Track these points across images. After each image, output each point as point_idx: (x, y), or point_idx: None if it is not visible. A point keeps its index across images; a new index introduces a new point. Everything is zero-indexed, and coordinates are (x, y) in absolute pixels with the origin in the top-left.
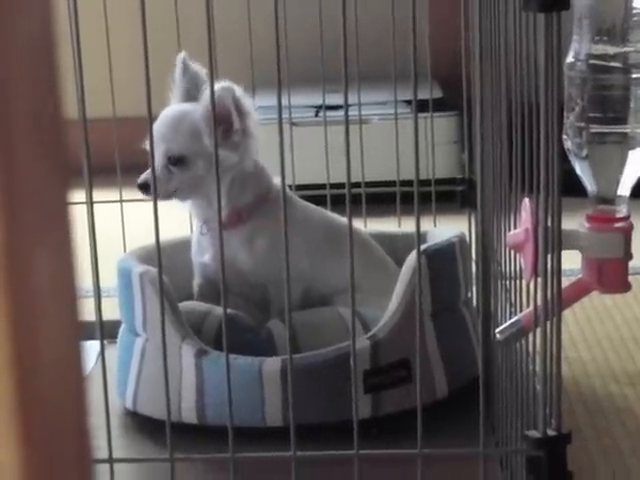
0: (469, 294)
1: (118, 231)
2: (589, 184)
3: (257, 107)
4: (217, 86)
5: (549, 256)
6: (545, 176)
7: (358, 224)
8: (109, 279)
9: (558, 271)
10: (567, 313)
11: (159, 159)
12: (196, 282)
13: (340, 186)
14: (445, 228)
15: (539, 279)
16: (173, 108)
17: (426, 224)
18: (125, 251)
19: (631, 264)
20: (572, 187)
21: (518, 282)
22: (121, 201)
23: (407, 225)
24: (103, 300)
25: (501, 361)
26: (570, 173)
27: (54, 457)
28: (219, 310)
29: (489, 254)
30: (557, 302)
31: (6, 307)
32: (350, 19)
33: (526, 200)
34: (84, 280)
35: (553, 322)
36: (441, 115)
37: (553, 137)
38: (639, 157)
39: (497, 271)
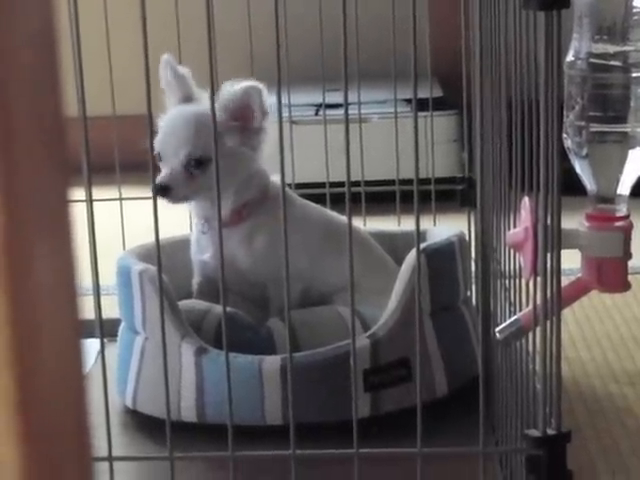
0: (468, 293)
1: (117, 229)
2: (589, 183)
3: None
4: (244, 84)
5: (549, 255)
6: (545, 175)
7: (358, 223)
8: (109, 277)
9: (558, 270)
10: (566, 313)
11: (179, 162)
12: (195, 280)
13: (340, 185)
14: (445, 227)
15: (539, 278)
16: (189, 109)
17: (426, 223)
18: (124, 249)
19: (631, 263)
20: (572, 186)
21: (517, 281)
22: (120, 199)
23: (407, 224)
24: (103, 298)
25: (501, 360)
26: (570, 172)
27: (54, 455)
28: (218, 308)
29: (489, 253)
30: (557, 301)
31: (6, 305)
32: (350, 18)
33: (526, 199)
34: (84, 278)
35: (553, 321)
36: (441, 114)
37: (553, 136)
38: (639, 156)
39: (497, 270)
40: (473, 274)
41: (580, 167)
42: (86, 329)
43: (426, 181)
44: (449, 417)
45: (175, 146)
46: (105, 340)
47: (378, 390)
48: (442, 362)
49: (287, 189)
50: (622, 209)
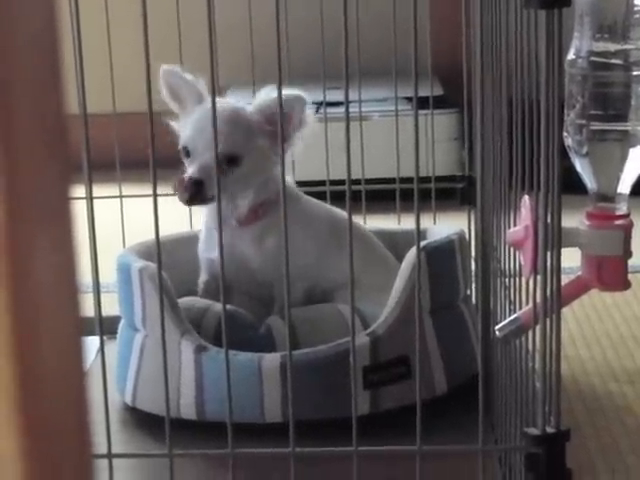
0: (468, 291)
1: (117, 227)
2: (589, 181)
3: None
4: (290, 92)
5: (549, 253)
6: (545, 173)
7: (358, 221)
8: (108, 275)
9: (558, 268)
10: (566, 311)
11: (212, 157)
12: (202, 279)
13: (340, 183)
14: (445, 225)
15: (538, 276)
16: (222, 105)
17: (426, 221)
18: (124, 247)
19: (631, 262)
20: (572, 185)
21: (517, 279)
22: (121, 197)
23: (407, 222)
24: (103, 296)
25: (500, 358)
26: (570, 170)
27: (55, 450)
28: (218, 306)
29: (489, 251)
30: (556, 299)
31: (7, 301)
32: (351, 16)
33: (526, 197)
34: (84, 276)
35: (552, 319)
36: (441, 112)
37: (554, 134)
38: (639, 155)
39: (496, 268)
40: (473, 272)
41: (580, 165)
42: (86, 326)
43: (426, 179)
44: (448, 415)
45: (208, 141)
46: (105, 337)
47: (377, 388)
48: (441, 360)
49: (292, 186)
50: (622, 207)
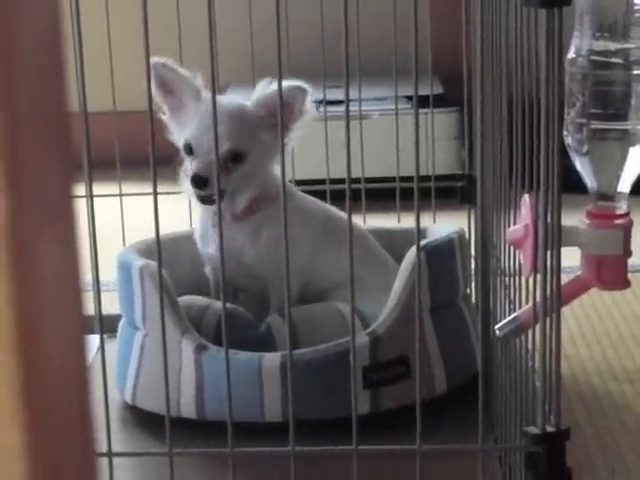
0: (468, 290)
1: (117, 225)
2: (589, 180)
3: None
4: (291, 83)
5: (548, 252)
6: (545, 172)
7: (357, 220)
8: (108, 273)
9: (557, 267)
10: (566, 311)
11: (220, 155)
12: (207, 269)
13: (340, 181)
14: (445, 224)
15: (538, 275)
16: (227, 102)
17: (426, 220)
18: (124, 245)
19: (630, 261)
20: (572, 184)
21: (517, 278)
22: (121, 195)
23: (406, 221)
24: (103, 294)
25: (500, 357)
26: (570, 170)
27: (58, 444)
28: (218, 305)
29: (488, 250)
30: (556, 298)
31: (11, 296)
32: (351, 15)
33: (526, 196)
34: (84, 274)
35: (552, 318)
36: (441, 111)
37: (554, 133)
38: (639, 154)
39: (496, 267)
40: (473, 271)
41: (580, 164)
42: (86, 325)
43: (426, 178)
44: (448, 415)
45: (219, 140)
46: (105, 336)
47: (377, 387)
48: (441, 359)
49: (287, 182)
50: (622, 207)
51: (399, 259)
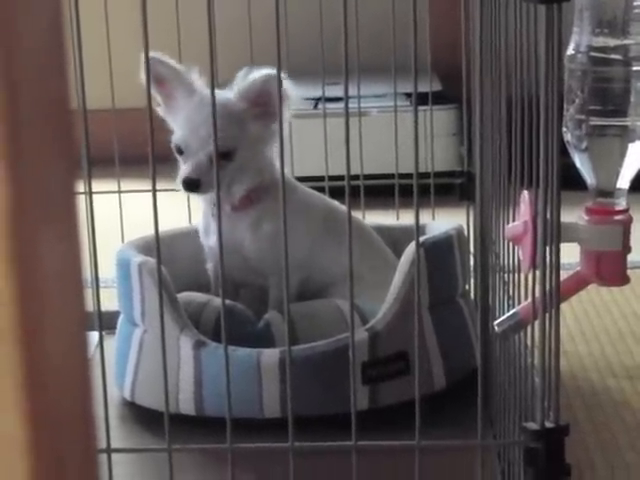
0: (467, 287)
1: (116, 222)
2: (588, 177)
3: None
4: (263, 71)
5: (548, 248)
6: (545, 168)
7: (357, 216)
8: (107, 270)
9: (557, 263)
10: (565, 307)
11: (206, 154)
12: (208, 265)
13: (339, 178)
14: (443, 221)
15: (537, 271)
16: (208, 100)
17: (425, 217)
18: (123, 242)
19: (630, 258)
20: (571, 180)
21: (516, 275)
22: (119, 192)
23: (405, 218)
24: (101, 291)
25: (499, 354)
26: (569, 166)
27: (60, 438)
28: (217, 301)
29: (487, 247)
30: (555, 295)
31: (14, 292)
32: (350, 12)
33: (525, 192)
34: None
35: (552, 314)
36: (440, 108)
37: (553, 129)
38: (639, 150)
39: (495, 264)
40: (472, 268)
41: (580, 161)
42: (87, 321)
43: (425, 175)
44: (447, 410)
45: (202, 139)
46: (104, 333)
47: (376, 383)
48: (440, 356)
49: (288, 176)
50: (621, 203)
51: (398, 256)
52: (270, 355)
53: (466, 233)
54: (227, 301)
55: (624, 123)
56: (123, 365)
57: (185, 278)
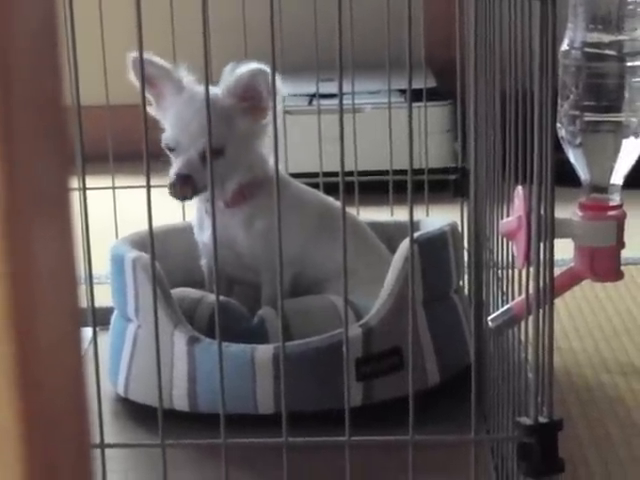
0: (461, 282)
1: (110, 218)
2: (582, 172)
3: None
4: (249, 66)
5: (542, 244)
6: (539, 164)
7: (351, 212)
8: (101, 266)
9: (550, 259)
10: (559, 303)
11: (197, 151)
12: (203, 262)
13: (333, 175)
14: (437, 217)
15: (531, 267)
16: (198, 98)
17: (419, 213)
18: (117, 238)
19: (623, 254)
20: (565, 177)
21: (510, 271)
22: (113, 188)
23: (399, 214)
24: (95, 287)
25: (493, 349)
26: (564, 163)
27: (54, 435)
28: (211, 297)
29: (481, 243)
30: (549, 290)
31: (6, 289)
32: (345, 8)
33: (519, 188)
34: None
35: (545, 310)
36: (434, 104)
37: (547, 125)
38: (633, 146)
39: (489, 260)
40: (466, 264)
41: (574, 156)
42: (81, 317)
43: (419, 171)
44: (441, 406)
45: (192, 136)
46: (97, 328)
47: (370, 379)
48: (434, 351)
49: (281, 171)
50: (615, 198)
51: (392, 252)
52: (264, 351)
53: (460, 229)
54: (221, 297)
55: (618, 119)
56: (117, 361)
57: (179, 274)
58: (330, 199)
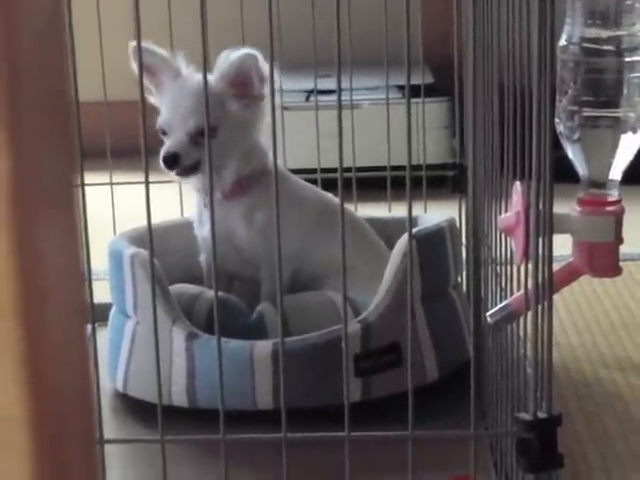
0: (459, 278)
1: (108, 214)
2: (581, 168)
3: None
4: (241, 51)
5: (540, 239)
6: (537, 159)
7: (349, 208)
8: (99, 262)
9: (549, 255)
10: (557, 299)
11: (186, 132)
12: (202, 257)
13: (331, 171)
14: (436, 213)
15: (530, 262)
16: (190, 81)
17: (417, 209)
18: (115, 234)
19: (621, 251)
20: (564, 173)
21: (509, 267)
22: (111, 184)
23: (398, 210)
24: (93, 283)
25: (491, 345)
26: (562, 159)
27: (60, 415)
28: (210, 293)
29: (480, 239)
30: (548, 286)
31: (14, 288)
32: (343, 4)
33: (517, 183)
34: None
35: (544, 305)
36: (432, 100)
37: (546, 120)
38: (631, 141)
39: (488, 256)
40: (464, 260)
41: (572, 152)
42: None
43: (417, 167)
44: (440, 402)
45: (182, 117)
46: (96, 325)
47: (369, 375)
48: (433, 347)
49: (281, 166)
50: (614, 194)
51: (390, 248)
52: (263, 347)
53: (458, 225)
54: (220, 293)
55: (616, 114)
56: (115, 357)
57: (177, 270)
58: (329, 195)
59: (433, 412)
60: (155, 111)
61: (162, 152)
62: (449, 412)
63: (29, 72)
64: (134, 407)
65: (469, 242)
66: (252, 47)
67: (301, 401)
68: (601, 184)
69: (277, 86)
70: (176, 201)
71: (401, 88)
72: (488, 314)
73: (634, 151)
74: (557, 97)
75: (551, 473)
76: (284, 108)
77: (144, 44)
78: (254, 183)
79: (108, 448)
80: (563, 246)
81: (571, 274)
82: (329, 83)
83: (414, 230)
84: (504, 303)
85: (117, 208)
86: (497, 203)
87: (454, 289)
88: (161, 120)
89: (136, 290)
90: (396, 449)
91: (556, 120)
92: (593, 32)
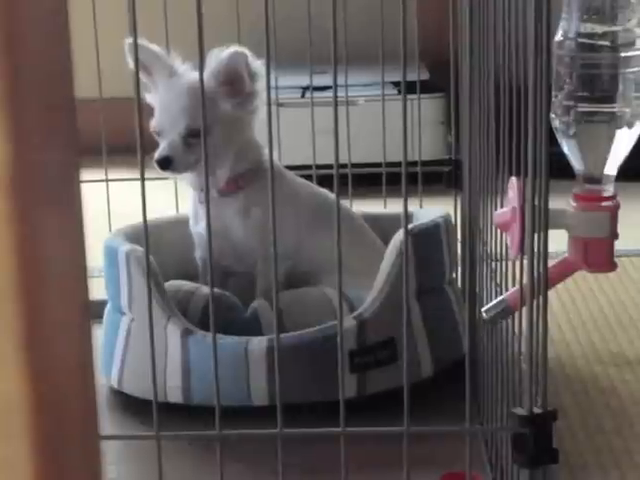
0: (454, 274)
1: (104, 211)
2: (576, 163)
3: None
4: (230, 49)
5: (536, 235)
6: (533, 154)
7: (344, 204)
8: (94, 259)
9: (545, 250)
10: (552, 295)
11: (178, 133)
12: (197, 254)
13: (326, 167)
14: (431, 209)
15: (525, 258)
16: (181, 82)
17: (412, 205)
18: (110, 231)
19: (616, 246)
20: (559, 169)
21: (504, 262)
22: (107, 180)
23: (393, 206)
24: (88, 280)
25: (486, 341)
26: (558, 155)
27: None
28: (205, 289)
29: (475, 234)
30: (543, 281)
31: (16, 282)
32: (339, 1)
33: (513, 179)
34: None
35: (539, 301)
36: (427, 96)
37: (541, 115)
38: (626, 136)
39: (483, 251)
40: (459, 255)
41: (568, 147)
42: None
43: (413, 163)
44: (435, 398)
45: (173, 119)
46: (91, 321)
47: (364, 371)
48: (427, 343)
49: (277, 162)
50: (609, 189)
51: (386, 244)
52: (258, 343)
53: (454, 221)
54: (215, 289)
55: (612, 109)
56: (110, 353)
57: (172, 267)
58: (324, 191)
59: (428, 408)
60: (150, 109)
61: (156, 155)
62: (444, 407)
63: (33, 73)
64: (129, 403)
65: (464, 238)
66: (248, 43)
67: (296, 397)
68: (596, 179)
69: (272, 83)
70: (171, 197)
71: (396, 84)
72: (483, 310)
73: (629, 146)
74: (553, 92)
75: (546, 468)
76: (279, 104)
77: (139, 41)
78: (249, 180)
79: (103, 445)
80: (558, 241)
81: (566, 269)
82: (324, 79)
83: (409, 226)
84: (499, 299)
85: (112, 205)
86: (493, 199)
87: (449, 285)
88: (154, 122)
89: (131, 287)
90: (391, 444)
91: (552, 115)
92: (589, 27)
